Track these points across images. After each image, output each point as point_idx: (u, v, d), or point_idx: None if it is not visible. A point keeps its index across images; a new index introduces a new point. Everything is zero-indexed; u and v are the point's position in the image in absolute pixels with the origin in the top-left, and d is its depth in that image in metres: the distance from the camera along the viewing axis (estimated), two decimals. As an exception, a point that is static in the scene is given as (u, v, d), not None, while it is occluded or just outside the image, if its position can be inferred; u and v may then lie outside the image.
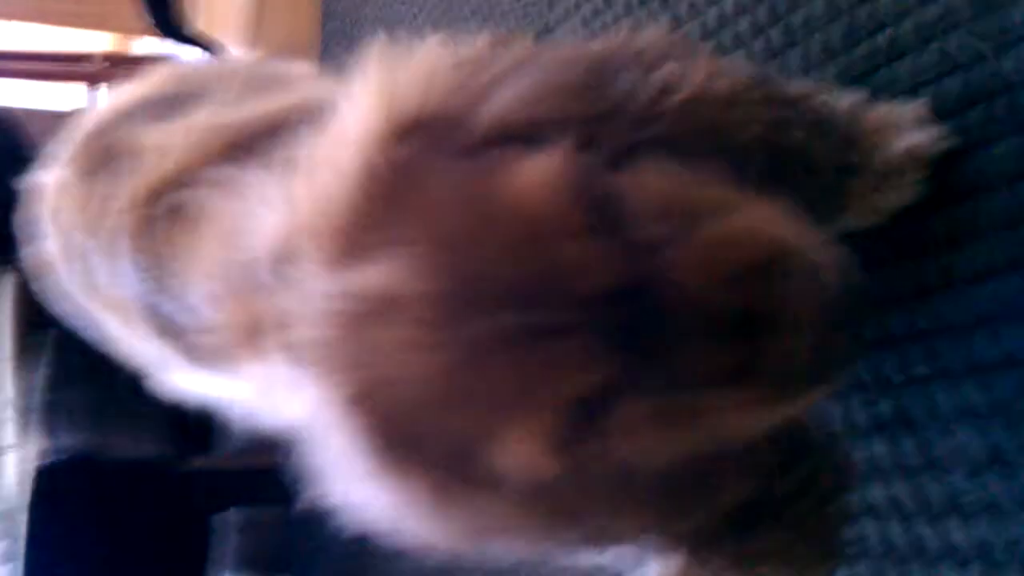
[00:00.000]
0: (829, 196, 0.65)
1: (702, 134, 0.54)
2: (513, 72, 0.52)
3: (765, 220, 0.47)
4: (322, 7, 2.38)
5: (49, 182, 0.81)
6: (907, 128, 0.69)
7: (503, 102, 0.49)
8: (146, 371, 0.78)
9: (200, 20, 2.42)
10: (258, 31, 2.37)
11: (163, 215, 0.67)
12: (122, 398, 1.84)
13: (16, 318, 1.92)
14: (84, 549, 1.81)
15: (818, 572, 0.63)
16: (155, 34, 2.38)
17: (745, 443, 0.51)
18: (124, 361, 0.80)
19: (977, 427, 0.69)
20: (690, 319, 0.44)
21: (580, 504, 0.50)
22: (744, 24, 0.92)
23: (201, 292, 0.62)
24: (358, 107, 0.49)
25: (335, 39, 2.25)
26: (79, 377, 1.87)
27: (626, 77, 0.54)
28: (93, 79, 2.65)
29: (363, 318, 0.44)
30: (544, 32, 1.31)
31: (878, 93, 0.72)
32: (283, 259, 0.50)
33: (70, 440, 1.86)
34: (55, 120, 0.90)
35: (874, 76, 0.77)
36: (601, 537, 0.54)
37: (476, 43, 0.56)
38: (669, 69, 0.55)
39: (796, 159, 0.60)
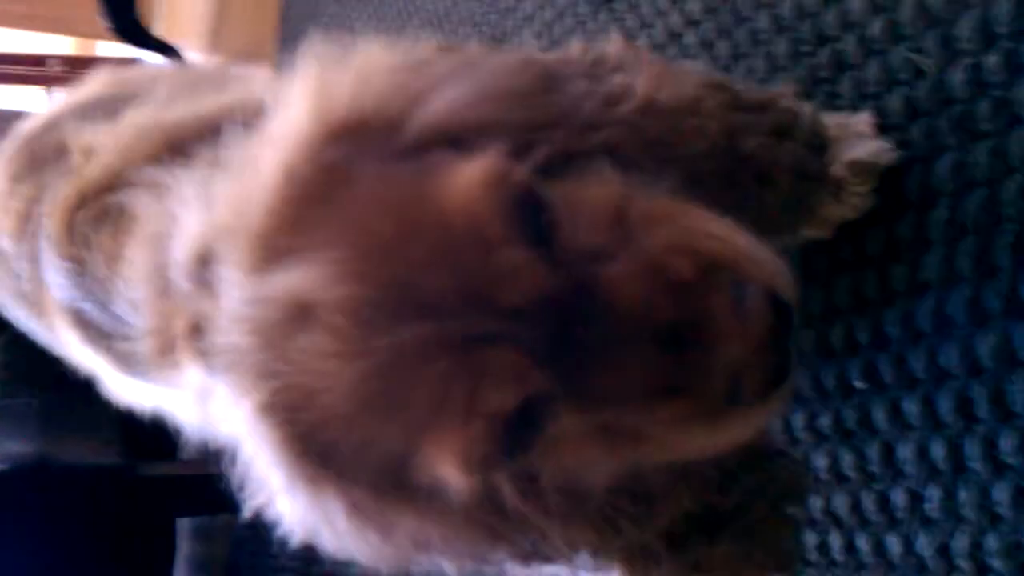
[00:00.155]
0: (788, 206, 0.64)
1: (651, 144, 0.53)
2: (454, 76, 0.50)
3: (704, 232, 0.46)
4: (280, 13, 2.36)
5: None
6: (853, 141, 0.69)
7: (440, 105, 0.48)
8: (93, 377, 0.76)
9: (161, 26, 2.39)
10: (218, 37, 2.35)
11: (89, 219, 0.65)
12: (73, 404, 1.81)
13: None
14: (33, 557, 1.77)
15: None
16: (115, 38, 2.35)
17: (684, 458, 0.50)
18: (72, 367, 0.78)
19: (914, 440, 0.68)
20: (620, 332, 0.43)
21: (511, 521, 0.49)
22: (691, 38, 0.92)
23: (126, 298, 0.60)
24: (291, 107, 0.48)
25: (294, 45, 2.22)
26: (28, 382, 1.83)
27: (574, 87, 0.53)
28: (50, 82, 2.61)
29: (279, 325, 0.42)
30: (498, 40, 1.30)
31: (822, 107, 0.72)
32: (202, 263, 0.48)
33: (17, 447, 1.82)
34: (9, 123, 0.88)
35: (818, 90, 0.77)
36: (535, 554, 0.53)
37: (420, 47, 0.55)
38: (618, 80, 0.55)
39: (752, 168, 0.59)
